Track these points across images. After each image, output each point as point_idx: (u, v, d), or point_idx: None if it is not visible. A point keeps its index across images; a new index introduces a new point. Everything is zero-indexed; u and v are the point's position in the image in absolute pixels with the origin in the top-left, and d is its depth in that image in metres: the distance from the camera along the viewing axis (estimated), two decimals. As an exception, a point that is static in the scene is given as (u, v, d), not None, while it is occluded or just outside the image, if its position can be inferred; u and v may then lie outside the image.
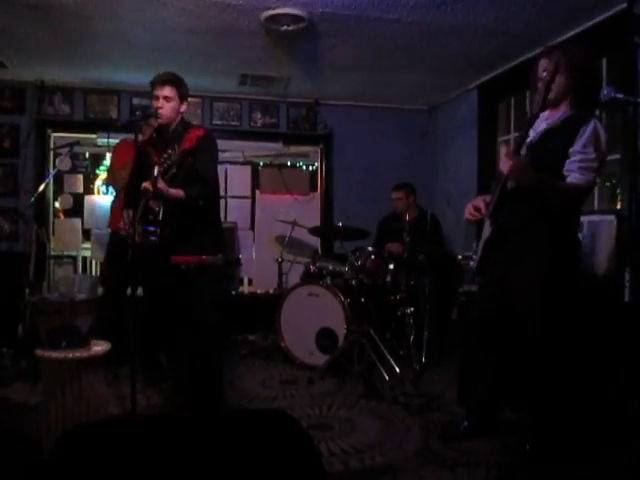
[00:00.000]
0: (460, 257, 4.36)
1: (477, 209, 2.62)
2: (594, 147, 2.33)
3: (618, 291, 2.87)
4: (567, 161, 2.37)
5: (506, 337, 2.60)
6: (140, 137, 2.79)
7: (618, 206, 3.55)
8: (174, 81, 2.96)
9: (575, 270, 2.55)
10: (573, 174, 2.34)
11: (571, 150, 2.36)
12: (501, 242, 2.55)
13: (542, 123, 2.57)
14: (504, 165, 2.38)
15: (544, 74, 2.44)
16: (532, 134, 2.57)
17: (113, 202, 4.26)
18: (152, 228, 2.89)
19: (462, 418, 2.84)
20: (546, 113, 2.58)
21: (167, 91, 2.94)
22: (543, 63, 2.49)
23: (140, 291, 3.27)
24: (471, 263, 2.64)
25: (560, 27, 3.78)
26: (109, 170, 4.34)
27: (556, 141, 2.42)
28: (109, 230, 4.31)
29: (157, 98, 2.95)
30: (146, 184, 2.69)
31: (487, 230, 2.60)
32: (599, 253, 3.33)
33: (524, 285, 2.48)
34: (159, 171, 2.64)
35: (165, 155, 2.64)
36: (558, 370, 2.44)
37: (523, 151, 2.51)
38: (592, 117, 2.41)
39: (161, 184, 2.67)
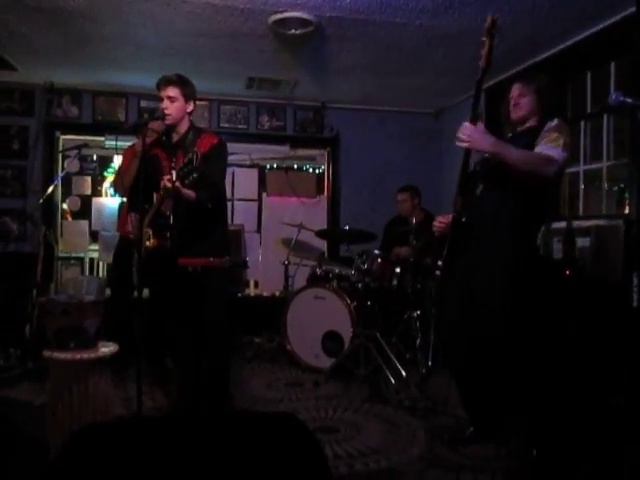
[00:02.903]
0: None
1: (445, 221, 2.74)
2: (557, 131, 2.47)
3: (626, 296, 2.85)
4: (537, 147, 2.49)
5: (483, 341, 2.62)
6: (145, 141, 2.79)
7: (626, 210, 3.54)
8: (177, 81, 2.96)
9: (536, 272, 2.62)
10: (539, 148, 2.46)
11: (537, 141, 2.50)
12: (465, 243, 2.61)
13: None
14: (462, 132, 2.48)
15: (516, 97, 2.67)
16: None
17: (121, 206, 4.26)
18: (164, 232, 2.90)
19: (467, 422, 2.83)
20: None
21: (170, 91, 2.94)
22: (517, 87, 2.70)
23: (146, 293, 3.28)
24: (437, 272, 2.69)
25: (568, 31, 3.77)
26: (117, 174, 4.34)
27: (521, 140, 2.56)
28: (118, 234, 4.31)
29: (162, 99, 2.96)
30: (166, 182, 2.66)
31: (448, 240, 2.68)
32: (607, 258, 3.31)
33: (489, 289, 2.54)
34: (178, 174, 2.62)
35: (186, 159, 2.62)
36: (528, 372, 2.52)
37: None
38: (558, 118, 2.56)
39: (177, 183, 2.66)
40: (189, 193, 2.77)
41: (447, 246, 2.65)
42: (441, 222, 2.76)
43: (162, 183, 2.69)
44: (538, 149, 2.46)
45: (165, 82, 2.96)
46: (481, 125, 2.52)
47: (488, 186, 2.63)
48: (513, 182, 2.48)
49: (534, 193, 2.50)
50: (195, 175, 2.60)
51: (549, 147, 2.44)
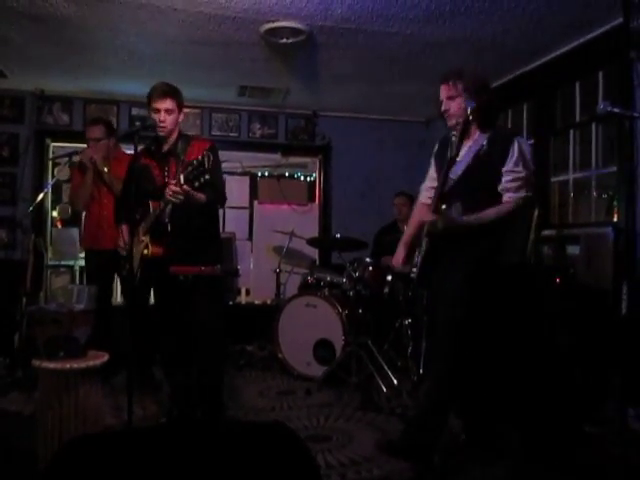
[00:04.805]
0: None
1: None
2: (523, 164, 2.48)
3: (616, 303, 2.88)
4: (502, 180, 2.50)
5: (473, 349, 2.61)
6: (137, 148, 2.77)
7: (615, 218, 3.57)
8: (174, 93, 2.92)
9: (493, 282, 2.63)
10: (508, 194, 2.50)
11: (504, 170, 2.50)
12: (437, 257, 2.64)
13: (464, 149, 2.60)
14: (428, 228, 2.57)
15: (445, 100, 2.57)
16: (460, 159, 2.61)
17: (85, 220, 4.21)
18: (162, 240, 2.88)
19: (459, 430, 2.83)
20: (457, 139, 2.60)
21: (168, 104, 2.88)
22: (444, 88, 2.59)
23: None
24: (412, 275, 2.74)
25: (556, 41, 3.82)
26: (70, 192, 4.32)
27: (490, 165, 2.52)
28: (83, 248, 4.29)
29: (158, 111, 2.88)
30: (173, 187, 2.64)
31: (424, 245, 2.71)
32: (596, 266, 3.34)
33: (446, 294, 2.56)
34: (186, 177, 2.59)
35: (195, 162, 2.59)
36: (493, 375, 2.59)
37: (453, 174, 2.58)
38: (515, 136, 2.55)
39: (185, 186, 2.63)
40: (199, 196, 2.75)
41: (421, 258, 2.69)
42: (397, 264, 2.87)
43: (168, 190, 2.67)
44: (508, 193, 2.48)
45: (162, 94, 2.88)
46: (448, 217, 2.47)
47: (465, 203, 2.55)
48: (489, 198, 2.51)
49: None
50: (207, 177, 2.59)
51: (518, 190, 2.47)
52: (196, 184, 2.60)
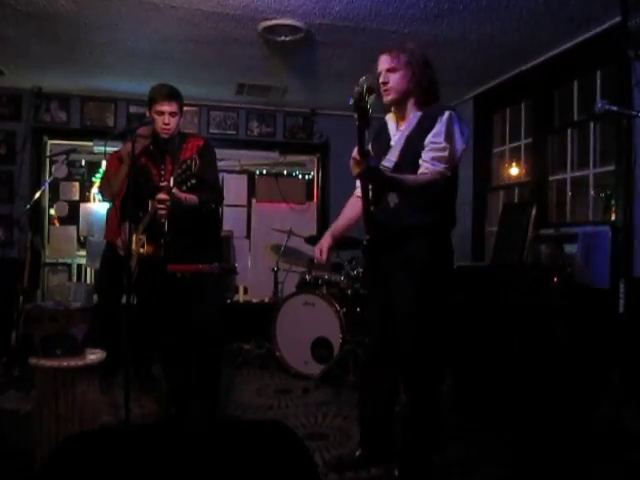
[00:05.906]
0: (455, 267, 4.37)
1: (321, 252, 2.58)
2: (445, 136, 2.25)
3: (613, 302, 2.89)
4: (423, 152, 2.29)
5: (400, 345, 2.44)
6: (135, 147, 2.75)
7: (613, 217, 3.57)
8: (177, 96, 2.92)
9: (450, 279, 2.52)
10: (425, 164, 2.27)
11: (425, 141, 2.29)
12: (380, 255, 2.45)
13: (397, 134, 2.46)
14: (353, 169, 2.32)
15: (385, 72, 2.37)
16: (394, 144, 2.46)
17: (109, 212, 4.22)
18: (158, 239, 2.88)
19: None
20: (393, 121, 2.48)
21: (174, 107, 2.88)
22: (384, 60, 2.38)
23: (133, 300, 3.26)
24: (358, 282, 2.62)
25: (554, 40, 3.82)
26: (103, 179, 4.36)
27: (419, 143, 2.32)
28: (105, 240, 4.28)
29: (162, 113, 2.87)
30: (162, 195, 2.67)
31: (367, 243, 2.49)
32: (594, 264, 3.35)
33: (403, 297, 2.38)
34: (175, 180, 2.61)
35: (184, 165, 2.60)
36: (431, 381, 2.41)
37: (387, 162, 2.40)
38: (448, 109, 2.32)
39: (177, 192, 2.65)
40: (191, 197, 2.76)
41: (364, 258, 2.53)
42: (320, 258, 2.59)
43: (157, 197, 2.68)
44: (425, 165, 2.26)
45: (168, 97, 2.88)
46: (371, 162, 2.24)
47: (401, 193, 2.37)
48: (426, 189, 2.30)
49: (443, 197, 2.37)
50: (194, 181, 2.59)
51: (434, 163, 2.25)
52: (183, 187, 2.62)
